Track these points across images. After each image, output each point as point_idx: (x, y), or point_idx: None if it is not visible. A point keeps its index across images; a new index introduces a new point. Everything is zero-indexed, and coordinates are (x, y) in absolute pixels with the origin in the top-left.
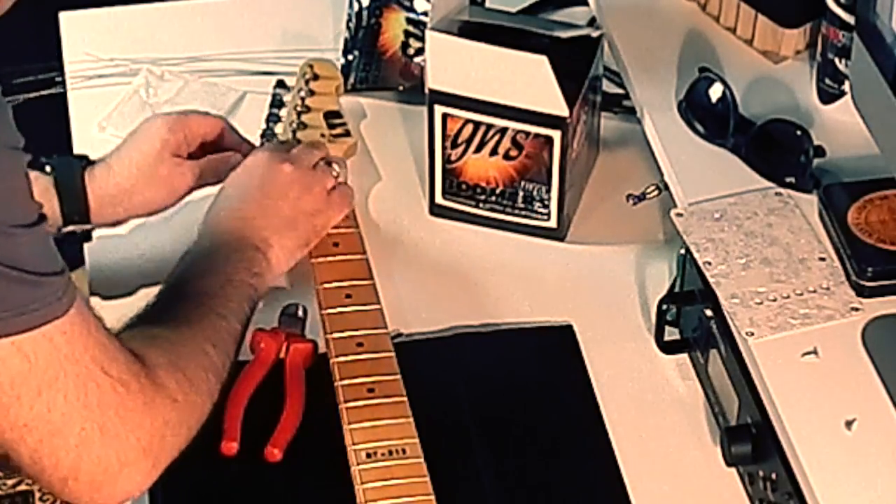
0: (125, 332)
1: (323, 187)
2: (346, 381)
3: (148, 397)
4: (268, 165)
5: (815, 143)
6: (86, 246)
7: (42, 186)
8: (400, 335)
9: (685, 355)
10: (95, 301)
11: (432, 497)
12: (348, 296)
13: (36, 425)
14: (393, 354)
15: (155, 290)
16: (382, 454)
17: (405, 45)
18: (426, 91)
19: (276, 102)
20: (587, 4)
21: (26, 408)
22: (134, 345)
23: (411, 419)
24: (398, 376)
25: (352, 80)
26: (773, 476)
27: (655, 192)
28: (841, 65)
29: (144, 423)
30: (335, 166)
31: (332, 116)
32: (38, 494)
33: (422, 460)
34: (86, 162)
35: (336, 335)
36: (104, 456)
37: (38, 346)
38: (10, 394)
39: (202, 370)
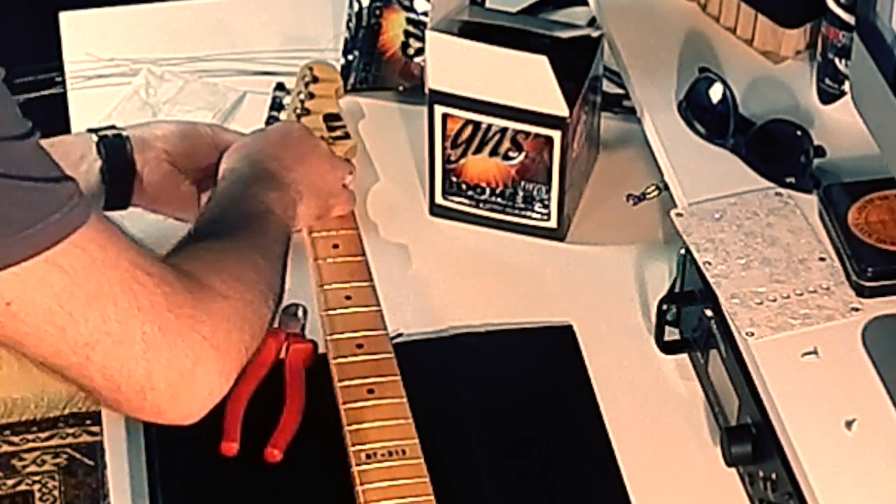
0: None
1: (343, 176)
2: (346, 382)
3: (196, 295)
4: (306, 134)
5: (815, 143)
6: None
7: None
8: (400, 335)
9: (685, 355)
10: None
11: (432, 498)
12: (348, 297)
13: (97, 340)
14: (393, 355)
15: None
16: (382, 455)
17: (405, 46)
18: (426, 91)
19: (276, 105)
20: (587, 4)
21: (81, 324)
22: (172, 261)
23: (411, 420)
24: (398, 377)
25: (352, 80)
26: (773, 476)
27: (655, 192)
28: (841, 65)
29: (202, 319)
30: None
31: (331, 119)
32: (38, 495)
33: (422, 461)
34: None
35: (336, 336)
36: (174, 357)
37: (73, 257)
38: (62, 313)
39: (251, 272)
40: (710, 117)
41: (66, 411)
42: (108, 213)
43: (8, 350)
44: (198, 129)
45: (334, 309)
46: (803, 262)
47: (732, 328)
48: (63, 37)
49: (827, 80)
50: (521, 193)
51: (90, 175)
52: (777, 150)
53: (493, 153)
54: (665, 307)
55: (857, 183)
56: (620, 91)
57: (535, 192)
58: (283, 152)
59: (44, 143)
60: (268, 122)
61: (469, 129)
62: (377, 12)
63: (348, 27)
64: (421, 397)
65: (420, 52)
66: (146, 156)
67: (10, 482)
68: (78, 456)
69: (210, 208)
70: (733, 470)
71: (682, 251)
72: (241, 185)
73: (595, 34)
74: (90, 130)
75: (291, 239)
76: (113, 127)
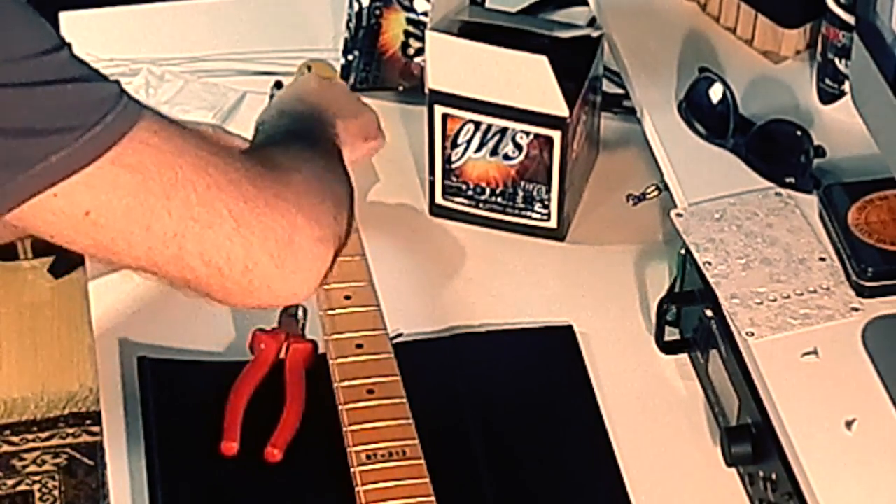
0: None
1: (369, 114)
2: (346, 383)
3: (271, 168)
4: (348, 91)
5: (815, 143)
6: None
7: None
8: (400, 335)
9: (685, 355)
10: (97, 283)
11: (433, 498)
12: (348, 297)
13: (185, 228)
14: (392, 356)
15: None
16: (382, 455)
17: (405, 45)
18: (426, 91)
19: None
20: (587, 4)
21: (165, 217)
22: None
23: (411, 420)
24: (398, 378)
25: (352, 80)
26: (773, 476)
27: (655, 192)
28: (841, 65)
29: (283, 189)
30: None
31: None
32: (38, 495)
33: (422, 461)
34: None
35: (336, 336)
36: (266, 228)
37: (139, 154)
38: (143, 211)
39: (320, 169)
40: (710, 117)
41: (66, 411)
42: None
43: (106, 264)
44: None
45: (334, 309)
46: (803, 262)
47: (732, 328)
48: (63, 37)
49: (827, 80)
50: (521, 193)
51: None
52: (777, 150)
53: (493, 153)
54: (665, 307)
55: (857, 183)
56: (620, 91)
57: (535, 192)
58: (332, 107)
59: None
60: None
61: (469, 129)
62: (377, 12)
63: (348, 27)
64: (421, 397)
65: (420, 52)
66: None
67: (10, 482)
68: (78, 456)
69: (272, 119)
70: (733, 470)
71: (682, 251)
72: (279, 120)
73: (595, 34)
74: None
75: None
76: None
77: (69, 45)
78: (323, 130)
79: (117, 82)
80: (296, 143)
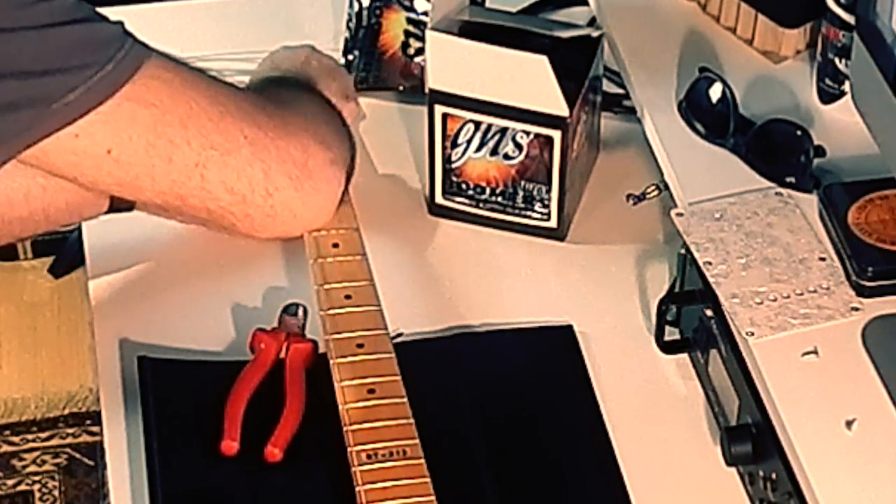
0: None
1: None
2: (346, 382)
3: (273, 100)
4: (318, 56)
5: (816, 143)
6: (84, 223)
7: None
8: (400, 335)
9: (685, 355)
10: (97, 283)
11: (433, 498)
12: (348, 296)
13: (205, 157)
14: (393, 355)
15: (153, 265)
16: (383, 455)
17: (405, 45)
18: (426, 91)
19: None
20: (587, 4)
21: (185, 147)
22: None
23: (412, 420)
24: (398, 377)
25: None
26: (773, 476)
27: (655, 192)
28: (841, 65)
29: (291, 116)
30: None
31: None
32: (38, 495)
33: (422, 461)
34: None
35: (336, 336)
36: (281, 151)
37: (153, 89)
38: (163, 143)
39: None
40: (710, 117)
41: (66, 411)
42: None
43: (133, 203)
44: None
45: (334, 308)
46: (803, 261)
47: (732, 328)
48: None
49: (827, 80)
50: (521, 193)
51: None
52: (777, 150)
53: (493, 153)
54: (665, 307)
55: (857, 183)
56: (620, 91)
57: (535, 192)
58: (283, 62)
59: None
60: None
61: (469, 129)
62: (377, 12)
63: (348, 27)
64: (421, 397)
65: (420, 52)
66: None
67: (10, 482)
68: (78, 456)
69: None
70: (733, 470)
71: (682, 251)
72: (266, 77)
73: (595, 34)
74: None
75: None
76: None
77: None
78: (308, 86)
79: (121, 23)
80: (289, 87)
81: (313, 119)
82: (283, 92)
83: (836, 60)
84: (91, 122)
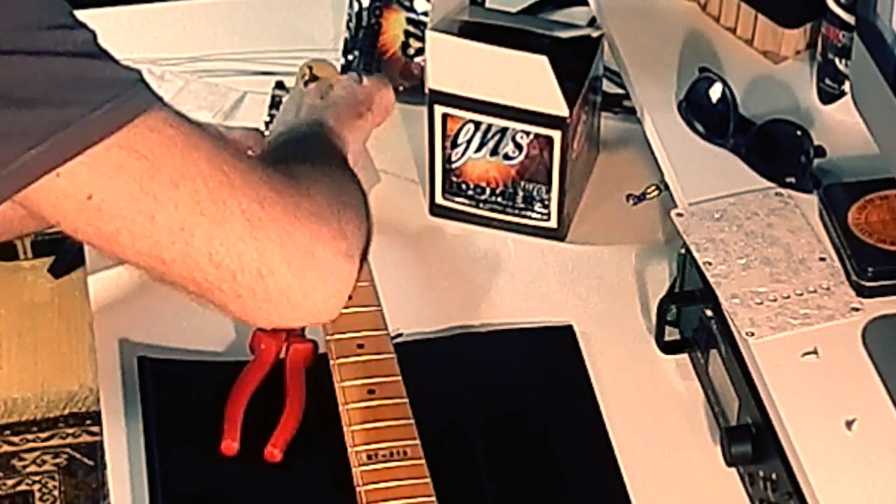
0: None
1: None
2: (346, 383)
3: (289, 175)
4: (347, 88)
5: (816, 143)
6: None
7: None
8: (400, 335)
9: (685, 355)
10: (97, 282)
11: (433, 498)
12: (349, 297)
13: (193, 223)
14: (394, 356)
15: None
16: (383, 456)
17: (405, 45)
18: (426, 91)
19: (276, 104)
20: (587, 4)
21: (171, 208)
22: None
23: (412, 421)
24: (399, 378)
25: None
26: (773, 476)
27: (655, 192)
28: (841, 65)
29: (302, 196)
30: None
31: None
32: (38, 495)
33: (423, 462)
34: None
35: (337, 336)
36: (284, 233)
37: (149, 141)
38: (147, 199)
39: (329, 167)
40: (710, 117)
41: (66, 411)
42: None
43: (112, 258)
44: None
45: None
46: (803, 262)
47: (732, 328)
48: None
49: (827, 80)
50: (521, 193)
51: None
52: (777, 150)
53: (493, 153)
54: (665, 307)
55: (857, 183)
56: (620, 91)
57: (535, 192)
58: (310, 110)
59: None
60: (268, 122)
61: (469, 129)
62: (377, 12)
63: (348, 27)
64: (421, 397)
65: (420, 52)
66: None
67: (10, 482)
68: (78, 456)
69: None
70: (733, 470)
71: (682, 251)
72: (286, 137)
73: (595, 34)
74: None
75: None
76: None
77: (93, 33)
78: (330, 145)
79: (138, 71)
80: (309, 155)
81: (330, 204)
82: (301, 163)
83: (836, 60)
84: (76, 164)
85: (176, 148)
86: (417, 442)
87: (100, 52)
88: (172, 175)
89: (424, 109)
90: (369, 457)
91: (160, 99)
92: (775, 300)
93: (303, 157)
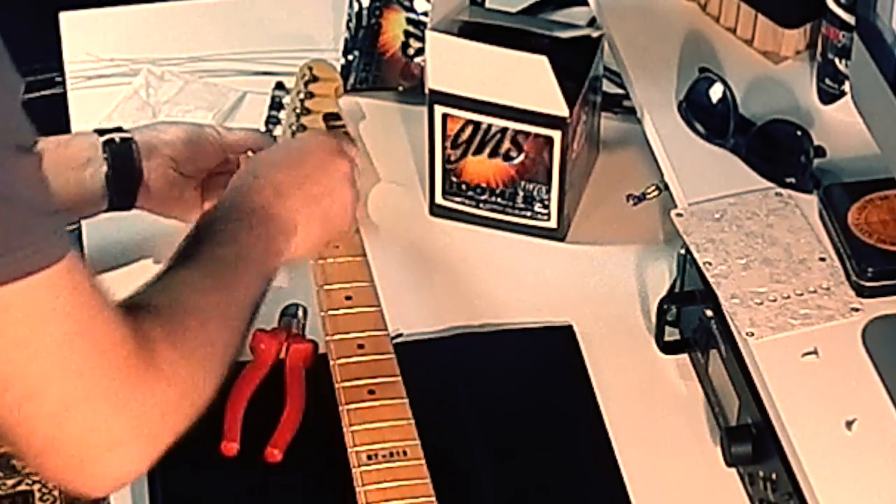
0: (127, 298)
1: (352, 206)
2: (346, 383)
3: (142, 370)
4: (327, 153)
5: (816, 143)
6: (83, 221)
7: (92, 169)
8: (400, 335)
9: (685, 355)
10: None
11: (433, 499)
12: (349, 297)
13: (13, 382)
14: (393, 356)
15: (152, 264)
16: (383, 456)
17: (405, 46)
18: (426, 91)
19: (275, 104)
20: (587, 4)
21: (3, 360)
22: (133, 314)
23: (412, 421)
24: (399, 378)
25: (352, 80)
26: (773, 476)
27: (655, 192)
28: (841, 65)
29: (137, 398)
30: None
31: (331, 118)
32: (37, 495)
33: (423, 462)
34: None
35: (337, 337)
36: (88, 430)
37: (18, 298)
38: None
39: (207, 346)
40: (710, 117)
41: None
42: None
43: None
44: (204, 133)
45: (335, 309)
46: (803, 262)
47: (732, 328)
48: (63, 37)
49: (827, 80)
50: (521, 193)
51: (95, 179)
52: (777, 150)
53: (493, 153)
54: (665, 307)
55: (857, 183)
56: (620, 91)
57: (535, 192)
58: (285, 181)
59: (52, 140)
60: (268, 122)
61: (469, 129)
62: (377, 12)
63: (348, 27)
64: (421, 397)
65: (420, 52)
66: (152, 163)
67: (10, 482)
68: None
69: (192, 237)
70: (733, 470)
71: (682, 251)
72: (226, 222)
73: (595, 34)
74: (97, 131)
75: (275, 276)
76: (119, 129)
77: (37, 148)
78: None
79: (59, 214)
80: (221, 278)
81: (166, 404)
82: (177, 344)
83: (836, 60)
84: None
85: (38, 315)
86: (417, 442)
87: (26, 188)
88: (20, 337)
89: (424, 109)
90: (369, 457)
91: (62, 255)
92: (775, 300)
93: (208, 286)
